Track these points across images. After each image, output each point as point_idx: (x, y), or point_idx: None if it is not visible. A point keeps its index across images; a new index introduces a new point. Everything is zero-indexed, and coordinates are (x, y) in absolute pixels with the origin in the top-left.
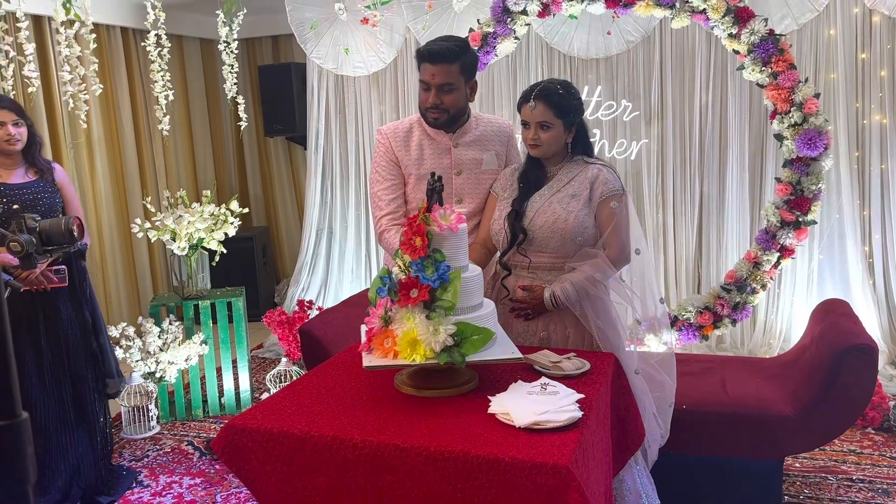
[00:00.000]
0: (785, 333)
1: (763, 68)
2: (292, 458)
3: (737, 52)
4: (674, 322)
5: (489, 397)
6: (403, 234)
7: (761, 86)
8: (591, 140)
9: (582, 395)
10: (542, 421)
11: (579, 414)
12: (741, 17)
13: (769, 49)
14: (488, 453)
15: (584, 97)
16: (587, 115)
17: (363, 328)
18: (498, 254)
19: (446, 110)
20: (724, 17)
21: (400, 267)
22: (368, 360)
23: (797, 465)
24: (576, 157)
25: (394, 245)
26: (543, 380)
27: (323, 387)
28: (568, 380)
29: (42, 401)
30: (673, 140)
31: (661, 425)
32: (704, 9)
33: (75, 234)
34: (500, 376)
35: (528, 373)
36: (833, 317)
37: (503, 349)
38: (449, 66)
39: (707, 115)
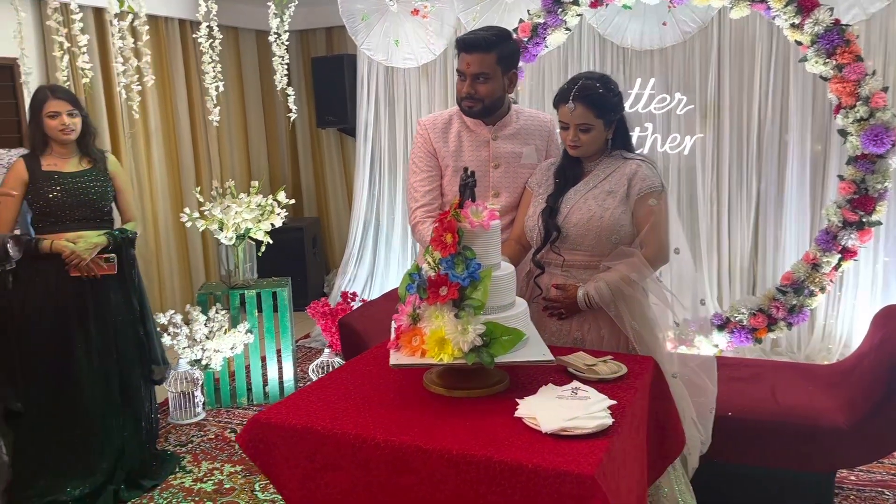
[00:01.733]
0: (845, 339)
1: (827, 60)
2: (315, 454)
3: (799, 43)
4: (725, 324)
5: (517, 400)
6: (434, 231)
7: (825, 79)
8: (631, 134)
9: (614, 402)
10: (569, 427)
11: (609, 421)
12: (804, 6)
13: (834, 40)
14: (511, 459)
15: (636, 90)
16: (639, 108)
17: (393, 325)
18: (532, 251)
19: (480, 100)
20: (786, 6)
21: (429, 264)
22: (395, 358)
23: (852, 477)
24: (614, 152)
25: (426, 238)
26: (575, 384)
27: (352, 383)
28: (603, 384)
29: (90, 385)
30: (730, 135)
31: (701, 432)
32: None
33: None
34: (533, 378)
35: (562, 375)
36: (895, 323)
37: (534, 351)
38: (484, 55)
39: (766, 109)
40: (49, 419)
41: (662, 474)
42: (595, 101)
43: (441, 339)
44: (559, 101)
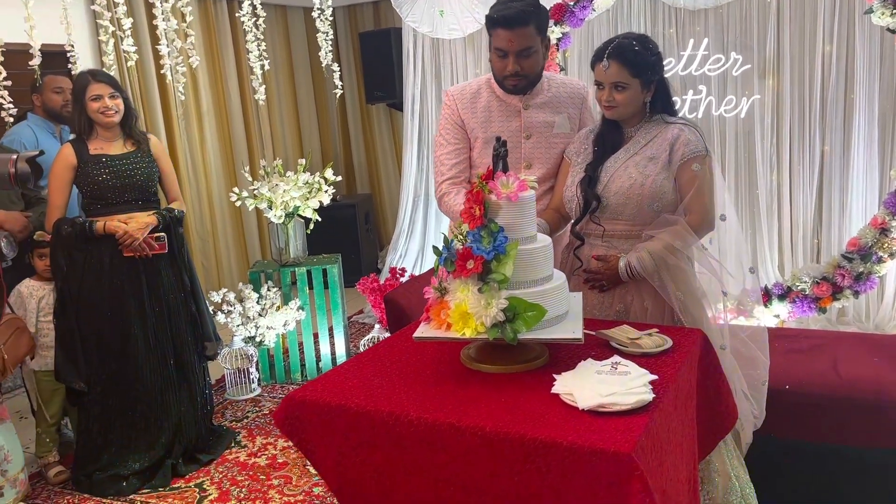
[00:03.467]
0: None
1: (895, 11)
2: (349, 432)
3: None
4: (787, 293)
5: (555, 376)
6: (465, 202)
7: (892, 31)
8: (674, 99)
9: (655, 377)
10: (607, 403)
11: (650, 397)
12: None
13: None
14: (546, 436)
15: (689, 51)
16: (692, 70)
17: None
18: (571, 222)
19: (526, 76)
20: None
21: (457, 236)
22: (421, 331)
23: None
24: (655, 116)
25: (453, 208)
26: (615, 358)
27: (389, 359)
28: (647, 358)
29: (147, 362)
30: (790, 95)
31: (754, 406)
32: None
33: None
34: (574, 352)
35: (605, 349)
36: None
37: (565, 327)
38: (525, 28)
39: (830, 66)
40: (111, 397)
41: (714, 449)
42: (630, 58)
43: (464, 313)
44: (595, 59)
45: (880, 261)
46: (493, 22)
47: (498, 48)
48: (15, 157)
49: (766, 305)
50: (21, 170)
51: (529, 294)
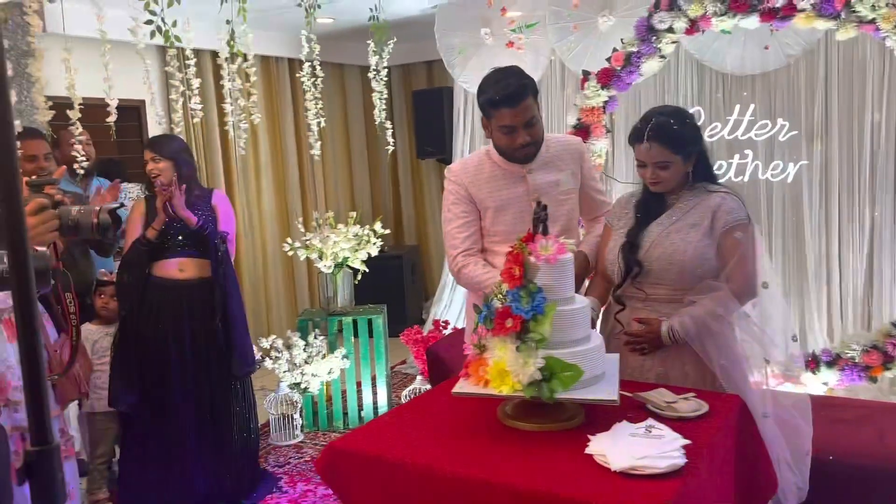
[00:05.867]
0: None
1: None
2: (386, 483)
3: None
4: (835, 361)
5: (589, 436)
6: (505, 263)
7: None
8: (717, 162)
9: (688, 441)
10: (639, 466)
11: (682, 461)
12: None
13: None
14: (578, 496)
15: (735, 115)
16: (738, 135)
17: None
18: (613, 287)
19: (535, 143)
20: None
21: (497, 295)
22: (459, 387)
23: None
24: (697, 184)
25: (473, 279)
26: (650, 421)
27: (428, 412)
28: (683, 422)
29: (184, 406)
30: (839, 161)
31: (797, 476)
32: (874, 18)
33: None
34: (610, 414)
35: (641, 412)
36: None
37: (601, 389)
38: (526, 101)
39: (879, 133)
40: (151, 436)
41: None
42: (671, 137)
43: (502, 370)
44: (634, 140)
45: None
46: (495, 103)
47: (504, 126)
48: (98, 208)
49: (813, 372)
50: (103, 220)
51: (566, 354)
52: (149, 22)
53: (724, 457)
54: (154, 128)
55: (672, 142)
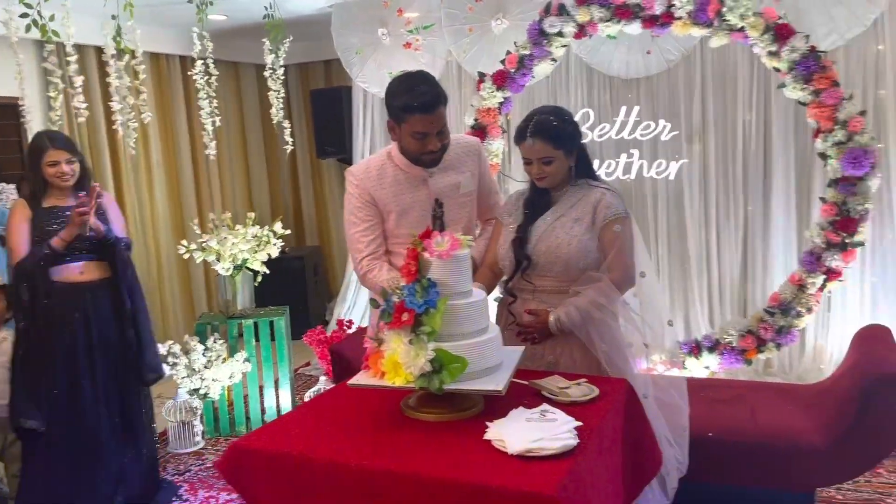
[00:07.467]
0: (836, 359)
1: (805, 86)
2: (293, 479)
3: (777, 70)
4: (715, 346)
5: (487, 423)
6: (405, 258)
7: (803, 104)
8: (594, 163)
9: (580, 423)
10: (534, 448)
11: (574, 442)
12: (780, 34)
13: (810, 66)
14: (478, 481)
15: (621, 117)
16: (625, 135)
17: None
18: (504, 279)
19: (444, 149)
20: (762, 34)
21: (396, 290)
22: (356, 379)
23: (839, 496)
24: (580, 180)
25: (379, 283)
26: (544, 406)
27: (332, 408)
28: (575, 406)
29: (93, 411)
30: (715, 159)
31: (678, 452)
32: (743, 27)
33: None
34: (507, 401)
35: (537, 398)
36: (870, 343)
37: (492, 380)
38: (441, 109)
39: (751, 133)
40: (56, 445)
41: (640, 495)
42: (552, 133)
43: (396, 362)
44: (519, 138)
45: (799, 315)
46: (411, 109)
47: (417, 132)
48: None
49: (696, 357)
50: None
51: (460, 346)
52: (24, 15)
53: (613, 437)
54: (36, 126)
55: (554, 137)
